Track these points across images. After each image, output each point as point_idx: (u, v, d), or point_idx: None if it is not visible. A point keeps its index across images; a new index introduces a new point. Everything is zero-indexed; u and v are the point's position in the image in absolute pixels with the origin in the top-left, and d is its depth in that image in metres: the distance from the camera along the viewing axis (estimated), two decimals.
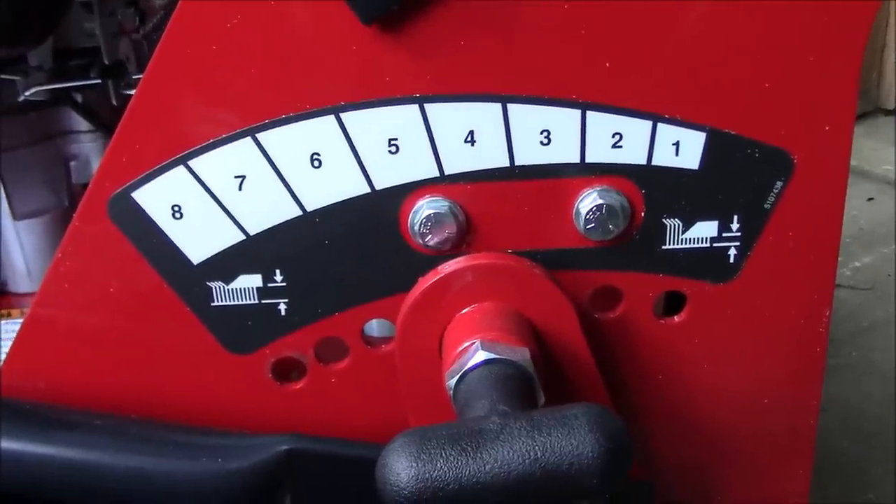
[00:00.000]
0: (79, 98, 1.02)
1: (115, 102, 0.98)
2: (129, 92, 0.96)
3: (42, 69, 0.97)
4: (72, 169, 1.07)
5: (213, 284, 0.68)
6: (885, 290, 2.51)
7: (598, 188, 0.66)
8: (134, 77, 0.97)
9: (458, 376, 0.59)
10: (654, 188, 0.66)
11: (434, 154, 0.64)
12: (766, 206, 0.67)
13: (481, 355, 0.59)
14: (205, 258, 0.67)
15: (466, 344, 0.61)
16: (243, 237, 0.66)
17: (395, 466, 0.50)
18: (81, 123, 1.05)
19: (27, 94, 0.96)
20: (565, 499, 0.51)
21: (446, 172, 0.65)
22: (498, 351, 0.59)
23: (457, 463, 0.49)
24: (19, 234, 1.06)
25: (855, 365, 2.17)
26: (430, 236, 0.65)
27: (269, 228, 0.66)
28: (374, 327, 0.78)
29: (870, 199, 3.15)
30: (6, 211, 1.03)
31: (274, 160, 0.64)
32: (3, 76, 0.95)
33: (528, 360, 0.60)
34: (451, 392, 0.60)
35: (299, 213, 0.66)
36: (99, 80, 0.97)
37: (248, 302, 0.68)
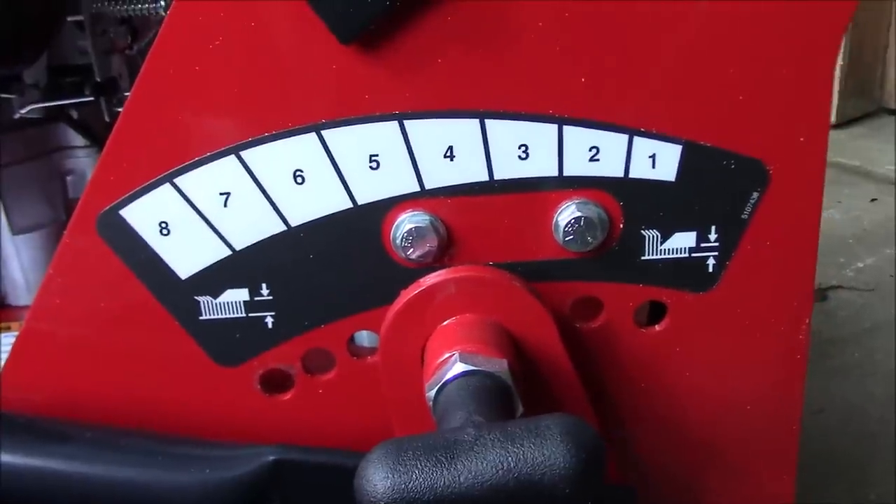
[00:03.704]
0: (74, 114, 1.04)
1: (107, 119, 0.99)
2: (121, 109, 0.97)
3: (37, 87, 0.98)
4: (68, 183, 1.09)
5: (200, 299, 0.69)
6: (887, 291, 2.51)
7: (577, 201, 0.67)
8: (126, 94, 0.99)
9: (437, 388, 0.60)
10: (632, 200, 0.67)
11: (414, 169, 0.66)
12: (743, 216, 0.68)
13: (459, 367, 0.60)
14: (192, 273, 0.68)
15: (446, 356, 0.62)
16: (229, 252, 0.68)
17: (371, 477, 0.51)
18: (77, 139, 1.06)
19: (23, 111, 0.98)
20: None
21: (427, 187, 0.66)
22: (476, 363, 0.61)
23: (432, 474, 0.50)
24: (18, 248, 1.07)
25: (857, 366, 2.17)
26: (411, 250, 0.67)
27: (255, 244, 0.68)
28: (365, 337, 0.79)
29: (873, 200, 3.15)
30: (5, 225, 1.05)
31: (258, 177, 0.66)
32: None
33: (506, 372, 0.61)
34: (431, 403, 0.61)
35: (284, 228, 0.67)
36: (92, 98, 0.98)
37: (236, 315, 0.70)
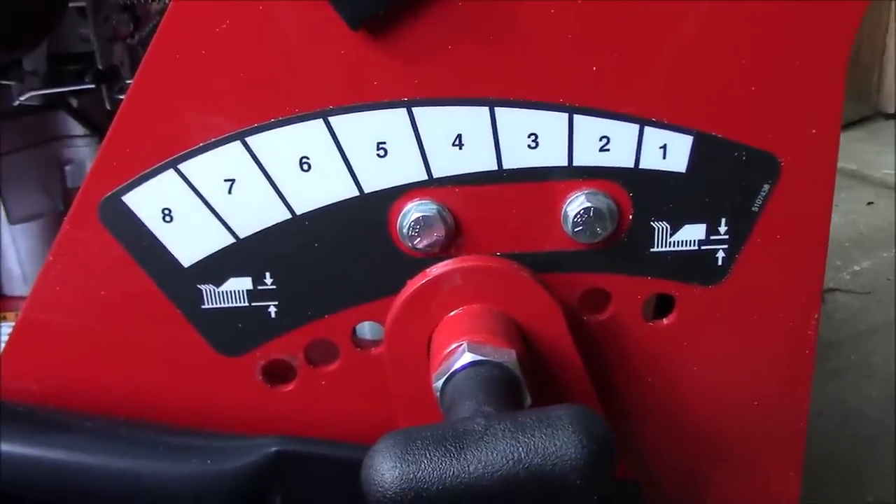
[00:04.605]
0: (74, 103, 1.03)
1: (109, 107, 0.98)
2: (122, 97, 0.96)
3: (37, 74, 0.97)
4: (67, 173, 1.08)
5: (203, 287, 0.68)
6: (884, 294, 2.51)
7: (586, 191, 0.66)
8: (128, 82, 0.98)
9: (444, 378, 0.60)
10: (642, 191, 0.66)
11: (422, 157, 0.65)
12: (753, 208, 0.67)
13: (468, 357, 0.59)
14: (195, 261, 0.67)
15: (453, 346, 0.62)
16: (233, 240, 0.67)
17: (380, 467, 0.50)
18: (76, 128, 1.06)
19: (22, 98, 0.97)
20: (549, 499, 0.51)
21: (434, 176, 0.65)
22: (484, 353, 0.60)
23: (441, 464, 0.50)
24: (15, 238, 1.06)
25: (854, 368, 2.18)
26: (418, 239, 0.66)
27: (259, 231, 0.67)
28: (367, 329, 0.78)
29: (869, 204, 3.16)
30: (2, 215, 1.04)
31: (263, 164, 0.65)
32: None
33: (514, 362, 0.60)
34: (438, 394, 0.60)
35: (289, 216, 0.66)
36: (93, 85, 0.97)
37: (239, 304, 0.69)
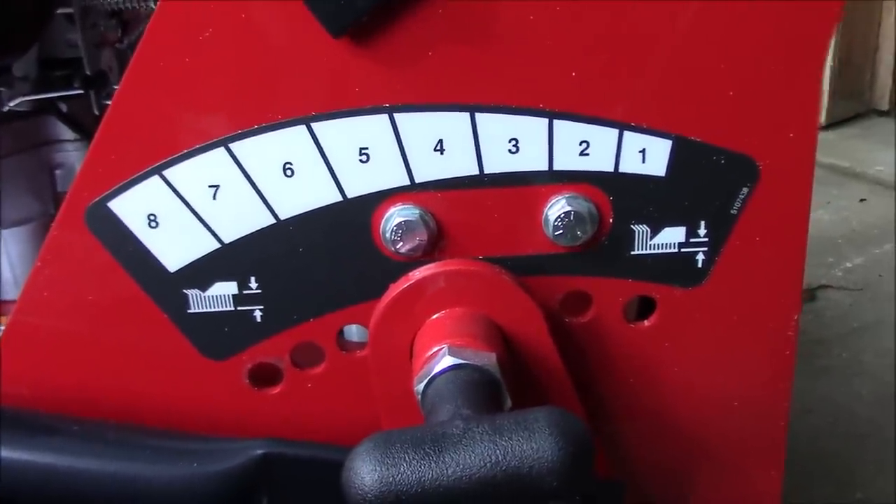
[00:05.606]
0: (63, 108, 1.04)
1: (97, 112, 0.99)
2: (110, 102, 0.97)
3: (27, 80, 0.98)
4: (57, 177, 1.08)
5: (189, 292, 0.69)
6: (876, 292, 2.52)
7: (567, 195, 0.67)
8: (116, 87, 0.98)
9: (425, 381, 0.60)
10: (622, 195, 0.67)
11: (404, 163, 0.66)
12: (732, 211, 0.68)
13: (448, 360, 0.60)
14: (181, 266, 0.68)
15: (435, 349, 0.62)
16: (218, 245, 0.68)
17: (359, 470, 0.51)
18: (66, 132, 1.06)
19: (12, 104, 0.97)
20: (527, 501, 0.52)
21: (416, 181, 0.66)
22: (464, 356, 0.60)
23: (419, 467, 0.50)
24: (5, 242, 1.07)
25: (845, 366, 2.19)
26: (401, 243, 0.66)
27: (244, 236, 0.67)
28: (354, 332, 0.79)
29: (862, 200, 3.16)
30: None
31: (247, 169, 0.65)
32: None
33: (494, 365, 0.61)
34: (419, 396, 0.61)
35: (273, 221, 0.67)
36: (82, 91, 0.98)
37: (224, 309, 0.70)
